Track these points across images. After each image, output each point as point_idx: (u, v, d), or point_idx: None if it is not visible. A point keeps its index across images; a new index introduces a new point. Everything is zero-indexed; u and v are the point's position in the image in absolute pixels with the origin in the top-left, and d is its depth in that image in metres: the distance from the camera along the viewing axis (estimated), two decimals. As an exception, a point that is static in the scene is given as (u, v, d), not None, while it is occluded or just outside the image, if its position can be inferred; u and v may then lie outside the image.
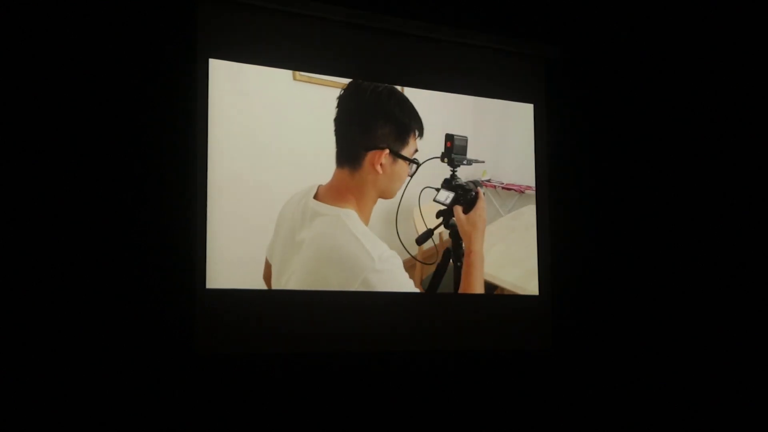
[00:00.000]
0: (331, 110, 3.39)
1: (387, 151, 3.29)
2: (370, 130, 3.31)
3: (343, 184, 3.24)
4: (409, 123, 3.37)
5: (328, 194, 3.24)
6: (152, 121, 3.17)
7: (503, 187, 3.84)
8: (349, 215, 3.20)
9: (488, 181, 3.80)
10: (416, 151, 3.40)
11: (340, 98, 3.34)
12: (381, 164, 3.26)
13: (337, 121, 3.30)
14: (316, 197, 3.23)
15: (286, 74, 3.40)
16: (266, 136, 3.33)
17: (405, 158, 3.33)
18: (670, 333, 3.88)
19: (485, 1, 3.99)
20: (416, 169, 3.40)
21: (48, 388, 2.90)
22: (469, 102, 3.85)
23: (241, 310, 3.18)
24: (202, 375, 3.12)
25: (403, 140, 3.35)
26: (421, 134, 3.44)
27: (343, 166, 3.27)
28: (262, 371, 3.24)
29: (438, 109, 3.73)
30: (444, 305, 3.62)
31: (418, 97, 3.60)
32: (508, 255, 3.81)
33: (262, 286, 3.23)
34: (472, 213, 3.59)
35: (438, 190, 3.57)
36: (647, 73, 4.14)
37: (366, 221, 3.27)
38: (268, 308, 3.22)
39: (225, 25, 3.31)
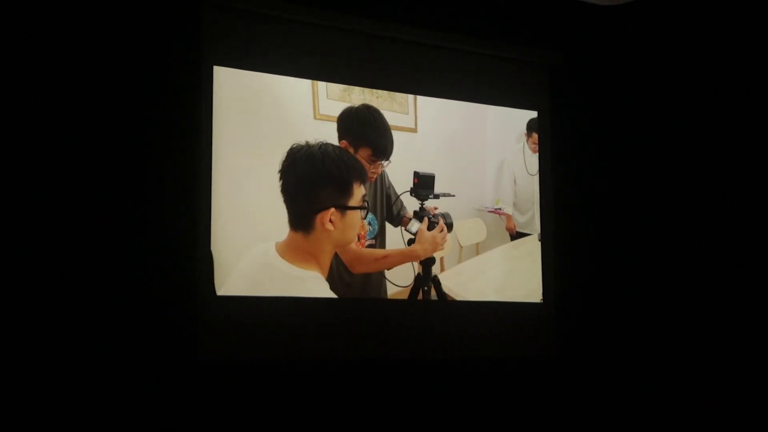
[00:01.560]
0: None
1: (333, 209, 3.52)
2: (314, 195, 3.52)
3: (300, 246, 3.52)
4: (348, 177, 3.57)
5: (287, 254, 3.49)
6: (158, 129, 3.26)
7: (489, 211, 4.06)
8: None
9: (499, 209, 4.04)
10: (364, 194, 3.64)
11: (281, 171, 3.54)
12: (331, 221, 3.51)
13: (283, 192, 3.53)
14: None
15: (290, 81, 3.59)
16: (271, 142, 3.49)
17: (352, 208, 3.57)
18: (674, 340, 3.93)
19: (489, 9, 4.07)
20: (367, 212, 3.68)
21: (54, 392, 2.95)
22: (473, 109, 4.03)
23: (246, 317, 3.29)
24: (206, 381, 3.23)
25: (346, 193, 3.56)
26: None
27: (297, 230, 3.53)
28: (267, 378, 3.36)
29: (443, 116, 3.96)
30: (448, 312, 3.82)
31: (421, 103, 3.89)
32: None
33: (267, 293, 3.38)
34: (428, 233, 3.82)
35: (410, 219, 3.86)
36: (651, 79, 4.20)
37: (325, 273, 3.57)
38: (273, 315, 3.35)
39: (229, 33, 3.43)
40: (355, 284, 3.71)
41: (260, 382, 3.37)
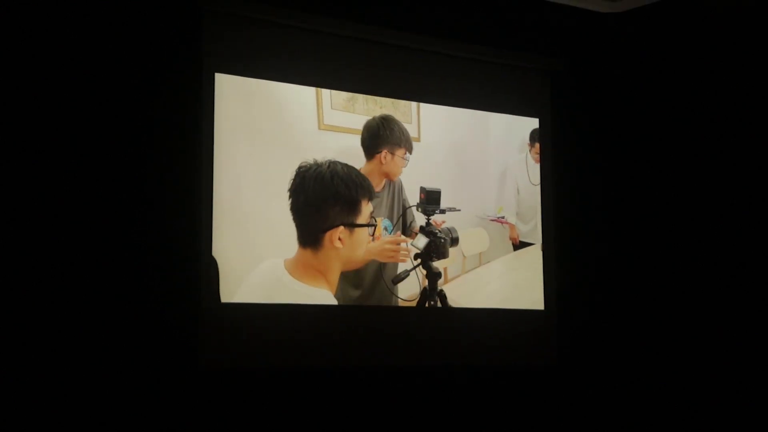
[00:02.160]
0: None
1: (341, 227, 3.55)
2: (323, 213, 3.55)
3: (309, 263, 3.56)
4: (356, 195, 3.60)
5: (296, 271, 3.52)
6: (159, 136, 3.28)
7: (491, 220, 4.09)
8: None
9: (502, 217, 4.07)
10: (372, 211, 3.67)
11: (291, 190, 3.56)
12: (339, 239, 3.55)
13: (293, 210, 3.55)
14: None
15: (294, 90, 3.60)
16: (274, 151, 3.51)
17: (360, 225, 3.60)
18: (676, 348, 3.96)
19: (491, 16, 4.08)
20: (374, 229, 3.70)
21: (54, 396, 2.96)
22: (476, 118, 4.04)
23: (248, 324, 3.32)
24: (206, 388, 3.24)
25: (354, 211, 3.60)
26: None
27: (306, 246, 3.56)
28: (269, 385, 3.37)
29: (446, 126, 3.97)
30: (451, 319, 3.85)
31: (424, 113, 3.90)
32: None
33: (269, 300, 3.41)
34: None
35: (416, 234, 3.89)
36: (652, 86, 4.18)
37: (334, 290, 3.60)
38: (275, 323, 3.38)
39: (230, 40, 3.44)
40: (363, 300, 3.73)
41: (262, 390, 3.39)
